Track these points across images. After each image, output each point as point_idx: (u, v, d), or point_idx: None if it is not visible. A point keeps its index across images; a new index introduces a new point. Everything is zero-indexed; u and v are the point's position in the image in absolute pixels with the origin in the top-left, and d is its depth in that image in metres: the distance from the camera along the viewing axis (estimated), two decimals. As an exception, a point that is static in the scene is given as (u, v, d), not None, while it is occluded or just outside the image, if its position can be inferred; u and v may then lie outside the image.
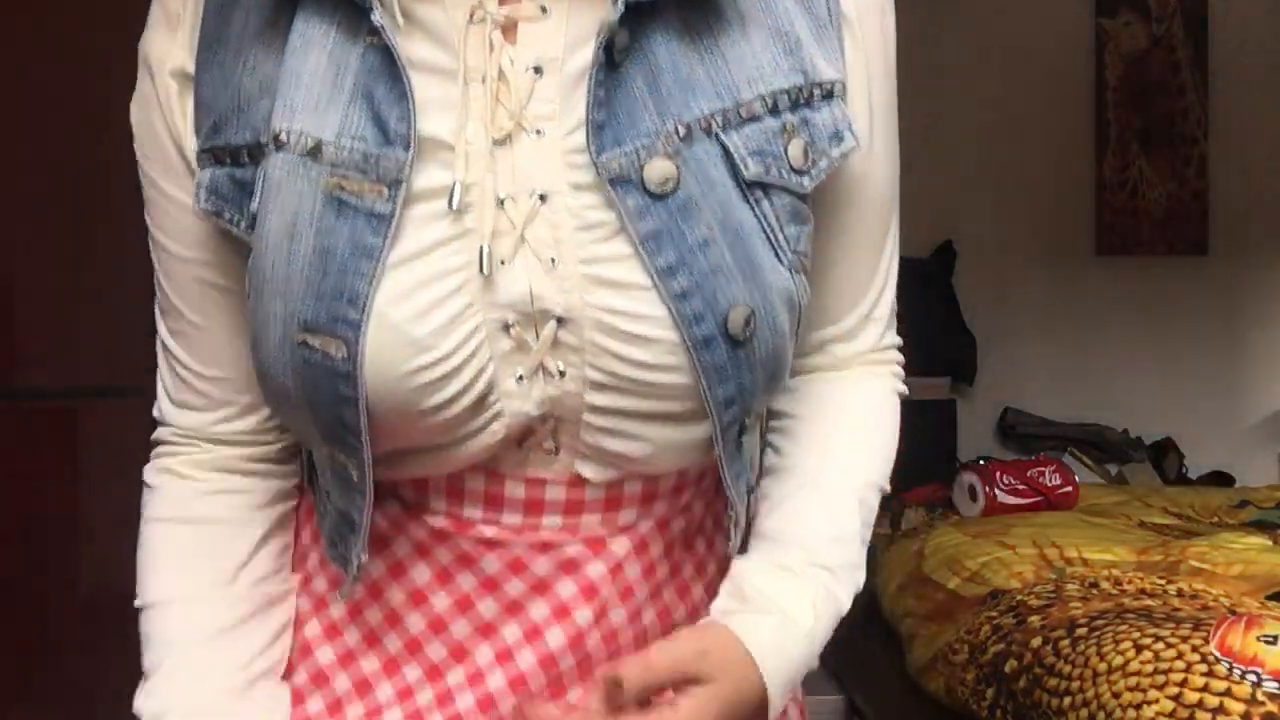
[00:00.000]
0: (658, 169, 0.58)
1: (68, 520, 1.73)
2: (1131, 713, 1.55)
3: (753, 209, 0.61)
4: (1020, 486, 2.76)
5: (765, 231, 0.62)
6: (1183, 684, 1.53)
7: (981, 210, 4.20)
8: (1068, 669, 1.70)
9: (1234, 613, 1.66)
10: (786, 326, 0.63)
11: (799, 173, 0.63)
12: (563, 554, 0.64)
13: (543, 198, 0.59)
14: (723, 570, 0.68)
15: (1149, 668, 1.58)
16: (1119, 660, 1.63)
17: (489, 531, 0.64)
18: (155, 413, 0.74)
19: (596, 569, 0.64)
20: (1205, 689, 1.52)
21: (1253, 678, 1.51)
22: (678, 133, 0.59)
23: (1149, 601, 1.86)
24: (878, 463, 0.71)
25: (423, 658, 0.67)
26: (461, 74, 0.58)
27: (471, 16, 0.58)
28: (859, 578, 0.69)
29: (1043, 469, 2.83)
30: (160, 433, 0.74)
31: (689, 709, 0.58)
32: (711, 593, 0.68)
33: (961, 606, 2.16)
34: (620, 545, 0.64)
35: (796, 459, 0.70)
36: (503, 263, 0.58)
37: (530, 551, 0.64)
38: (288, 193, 0.58)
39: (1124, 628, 1.70)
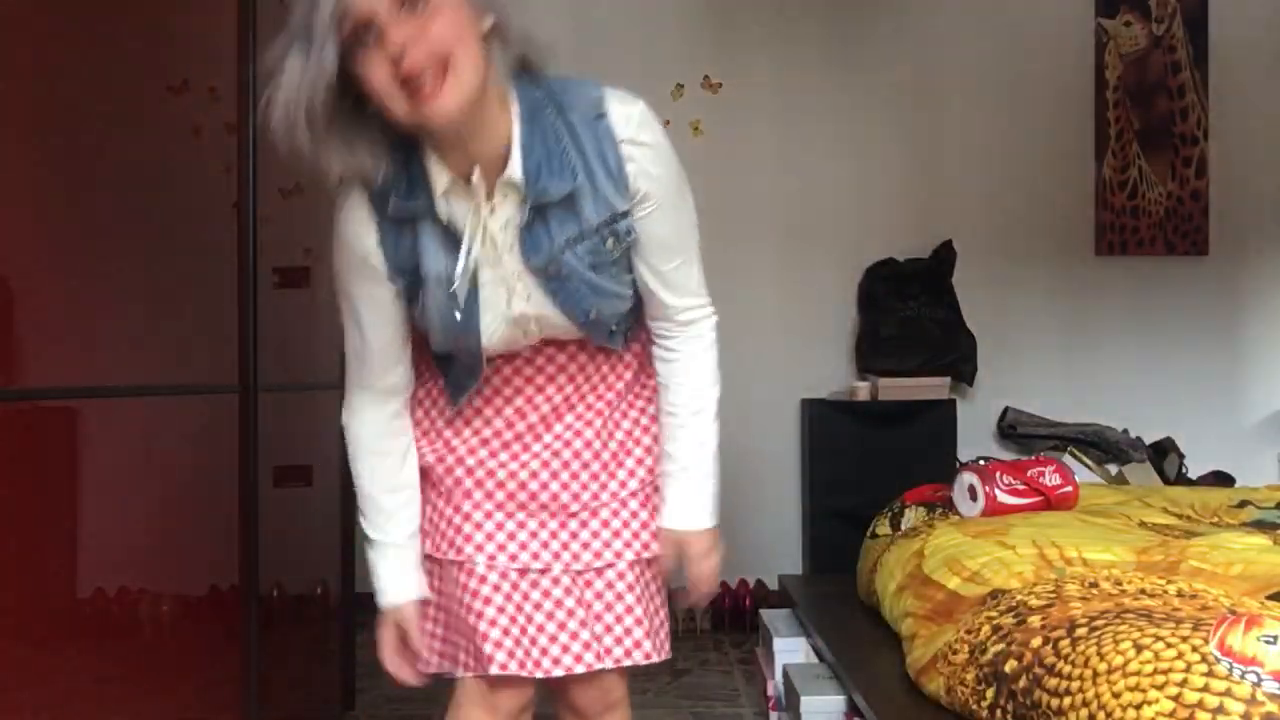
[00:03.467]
0: (551, 266, 1.38)
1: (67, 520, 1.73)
2: (1131, 713, 1.55)
3: (596, 272, 1.41)
4: (1020, 486, 2.76)
5: (607, 275, 1.42)
6: (1183, 684, 1.54)
7: (981, 210, 4.21)
8: (1068, 669, 1.70)
9: (1234, 613, 1.66)
10: (619, 306, 1.46)
11: (612, 252, 1.41)
12: (547, 366, 1.50)
13: (516, 275, 1.40)
14: (622, 369, 1.55)
15: (1149, 668, 1.58)
16: (1119, 660, 1.63)
17: (510, 370, 1.50)
18: (354, 386, 1.49)
19: (561, 367, 1.51)
20: (1205, 689, 1.52)
21: (1253, 678, 1.51)
22: (559, 249, 1.38)
23: (1149, 601, 1.86)
24: (702, 390, 1.53)
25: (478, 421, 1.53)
26: (484, 225, 1.37)
27: (477, 210, 1.36)
28: (712, 451, 1.55)
29: (1043, 469, 2.83)
30: (360, 413, 1.49)
31: (702, 566, 1.54)
32: (621, 380, 1.56)
33: (961, 606, 2.16)
34: (565, 361, 1.51)
35: (667, 406, 1.54)
36: (507, 304, 1.41)
37: (532, 366, 1.51)
38: (434, 299, 1.38)
39: (1124, 628, 1.70)
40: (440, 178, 1.33)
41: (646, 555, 1.52)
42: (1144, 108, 4.19)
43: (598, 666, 1.46)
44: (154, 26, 1.95)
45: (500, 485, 1.49)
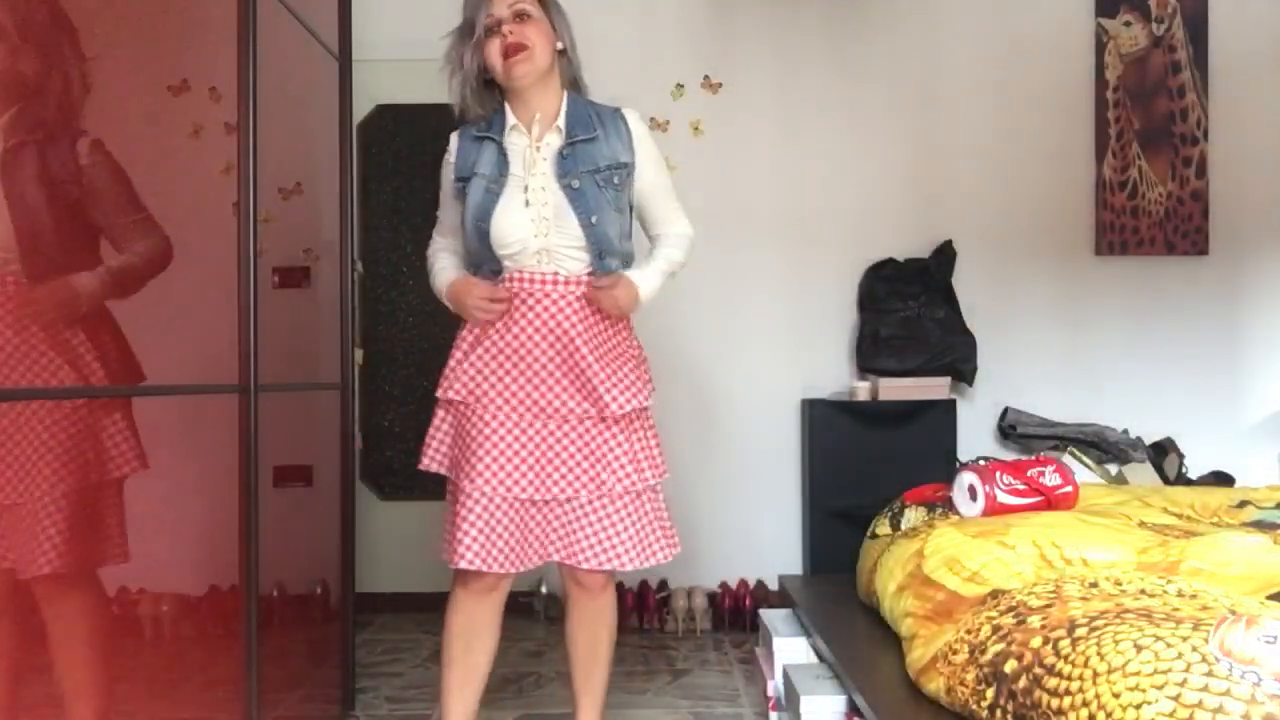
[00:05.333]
0: (573, 180, 2.24)
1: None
2: (1131, 713, 1.55)
3: (600, 191, 2.25)
4: (1020, 486, 2.76)
5: (607, 198, 2.26)
6: (1183, 684, 1.54)
7: (981, 210, 4.21)
8: (1068, 669, 1.70)
9: (1234, 613, 1.66)
10: (614, 223, 2.28)
11: (618, 185, 2.29)
12: (557, 287, 2.29)
13: (545, 189, 2.27)
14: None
15: (1149, 668, 1.58)
16: (1119, 660, 1.63)
17: (528, 282, 2.30)
18: (436, 233, 2.46)
19: (567, 291, 2.30)
20: (1205, 689, 1.52)
21: (1252, 678, 1.51)
22: (580, 173, 2.25)
23: (1149, 601, 1.87)
24: (684, 241, 2.46)
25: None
26: (528, 153, 2.30)
27: (531, 145, 2.30)
28: (676, 267, 2.46)
29: (1043, 469, 2.82)
30: (436, 242, 2.45)
31: (624, 282, 2.31)
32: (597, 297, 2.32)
33: (961, 606, 2.16)
34: (572, 289, 2.30)
35: (661, 245, 2.45)
36: (528, 204, 2.25)
37: (543, 285, 2.29)
38: (475, 187, 2.27)
39: (1124, 628, 1.70)
40: (510, 120, 2.27)
41: (625, 486, 2.23)
42: (1144, 108, 4.19)
43: (586, 566, 2.24)
44: (154, 26, 1.95)
45: (515, 409, 2.22)
